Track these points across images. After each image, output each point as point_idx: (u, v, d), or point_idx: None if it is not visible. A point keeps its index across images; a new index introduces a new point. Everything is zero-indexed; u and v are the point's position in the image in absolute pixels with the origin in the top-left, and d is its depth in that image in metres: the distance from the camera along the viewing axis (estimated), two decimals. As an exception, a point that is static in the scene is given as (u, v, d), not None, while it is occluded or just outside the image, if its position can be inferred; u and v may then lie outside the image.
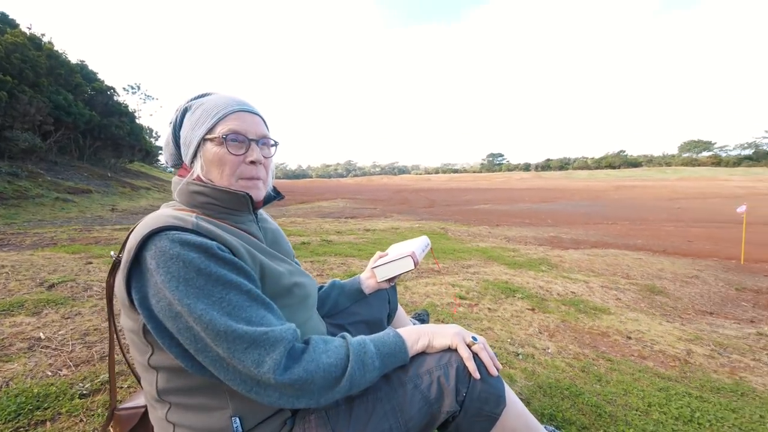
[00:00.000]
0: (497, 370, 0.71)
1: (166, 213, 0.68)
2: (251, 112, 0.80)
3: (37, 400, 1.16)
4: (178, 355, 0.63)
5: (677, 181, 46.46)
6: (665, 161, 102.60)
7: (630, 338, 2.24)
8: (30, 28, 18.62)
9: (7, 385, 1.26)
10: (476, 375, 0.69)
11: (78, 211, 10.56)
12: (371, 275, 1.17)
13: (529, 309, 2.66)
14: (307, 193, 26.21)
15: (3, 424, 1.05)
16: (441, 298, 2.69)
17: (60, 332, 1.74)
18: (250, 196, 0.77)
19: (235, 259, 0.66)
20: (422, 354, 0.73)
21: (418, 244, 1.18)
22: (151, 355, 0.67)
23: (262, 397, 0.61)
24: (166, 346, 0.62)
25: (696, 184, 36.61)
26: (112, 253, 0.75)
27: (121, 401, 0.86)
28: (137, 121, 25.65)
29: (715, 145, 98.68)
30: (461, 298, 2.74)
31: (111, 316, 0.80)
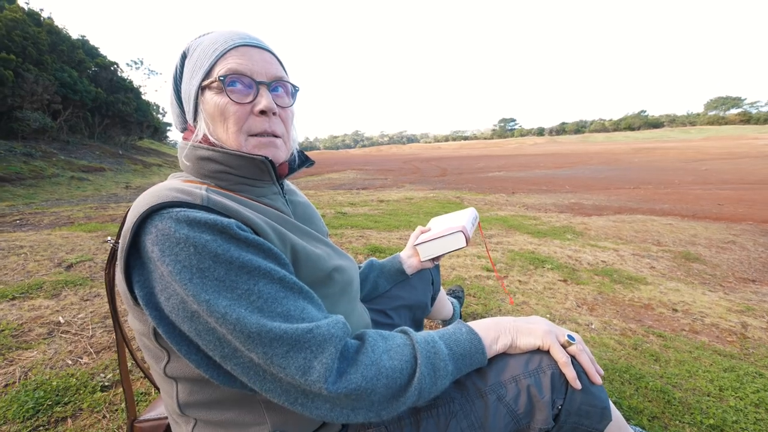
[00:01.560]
0: (600, 377, 0.57)
1: (169, 186, 0.53)
2: (258, 47, 0.61)
3: (57, 395, 1.09)
4: (199, 364, 0.49)
5: (702, 141, 44.29)
6: (689, 120, 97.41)
7: (676, 311, 2.08)
8: (28, 3, 18.08)
9: (26, 376, 1.19)
10: (577, 385, 0.54)
11: (93, 190, 10.66)
12: (413, 253, 1.02)
13: (561, 280, 2.52)
14: (316, 165, 25.91)
15: (21, 422, 0.98)
16: (468, 270, 2.56)
17: (79, 315, 1.68)
18: (271, 161, 0.61)
19: (260, 240, 0.52)
20: (503, 355, 0.59)
21: (467, 217, 1.02)
22: (168, 362, 0.54)
23: (310, 409, 0.48)
24: (184, 353, 0.49)
25: (723, 143, 34.78)
26: (108, 238, 0.61)
27: (140, 411, 0.76)
28: (143, 97, 25.28)
29: (745, 101, 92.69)
30: (489, 270, 2.61)
31: (115, 316, 0.66)
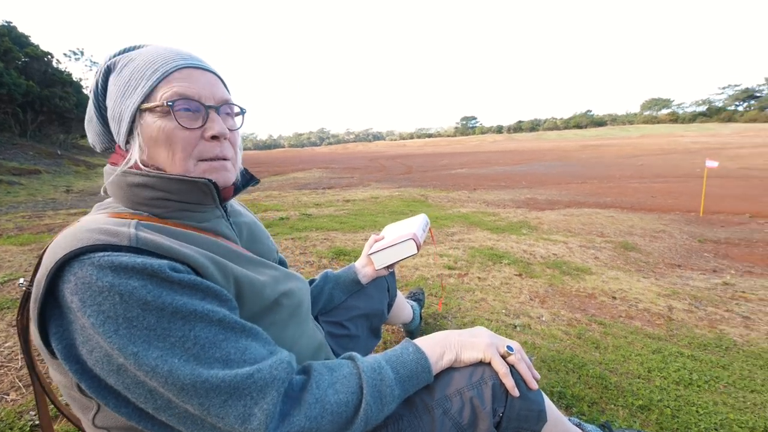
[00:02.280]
0: (537, 381, 0.63)
1: (90, 226, 0.48)
2: (203, 69, 0.59)
3: (-18, 436, 1.00)
4: (131, 416, 0.48)
5: (639, 138, 48.39)
6: (628, 119, 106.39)
7: (615, 298, 2.30)
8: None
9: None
10: (515, 393, 0.59)
11: (27, 195, 9.64)
12: (368, 262, 1.05)
13: (516, 275, 2.67)
14: (281, 164, 25.24)
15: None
16: (430, 270, 2.64)
17: (6, 344, 1.54)
18: (215, 184, 0.58)
19: (197, 280, 0.49)
20: (449, 369, 0.63)
21: (418, 224, 1.06)
22: (97, 413, 0.51)
23: None
24: (112, 407, 0.47)
25: (656, 141, 38.30)
26: (21, 280, 0.56)
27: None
28: (84, 91, 23.15)
29: (673, 103, 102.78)
30: (450, 268, 2.71)
31: (32, 366, 0.59)
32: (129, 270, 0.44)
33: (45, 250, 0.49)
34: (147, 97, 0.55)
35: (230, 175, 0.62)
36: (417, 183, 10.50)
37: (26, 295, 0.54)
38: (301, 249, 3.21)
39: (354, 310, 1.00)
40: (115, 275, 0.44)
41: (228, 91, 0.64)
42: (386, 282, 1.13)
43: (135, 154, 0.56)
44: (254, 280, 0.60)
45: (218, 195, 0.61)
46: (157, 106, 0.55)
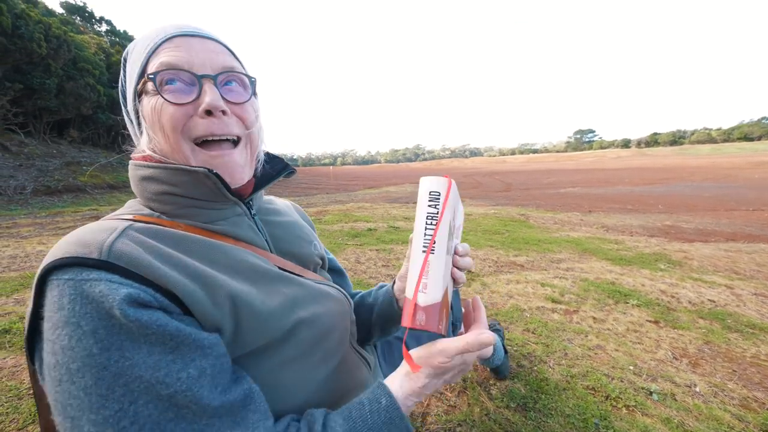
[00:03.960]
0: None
1: (81, 230, 0.42)
2: (199, 36, 0.50)
3: None
4: None
5: None
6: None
7: (829, 380, 1.52)
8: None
9: None
10: None
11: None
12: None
13: (650, 321, 2.05)
14: (376, 178, 26.50)
15: None
16: (528, 300, 2.23)
17: None
18: (218, 176, 0.48)
19: (161, 325, 0.37)
20: None
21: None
22: None
23: None
24: None
25: None
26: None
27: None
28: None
29: None
30: (554, 301, 2.24)
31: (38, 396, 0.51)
32: (86, 301, 0.36)
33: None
34: (140, 77, 0.48)
35: (239, 168, 0.51)
36: (516, 201, 9.59)
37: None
38: (384, 261, 3.12)
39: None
40: (71, 309, 0.36)
41: (238, 60, 0.54)
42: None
43: (143, 142, 0.49)
44: (257, 308, 0.46)
45: (227, 189, 0.50)
46: (146, 83, 0.47)
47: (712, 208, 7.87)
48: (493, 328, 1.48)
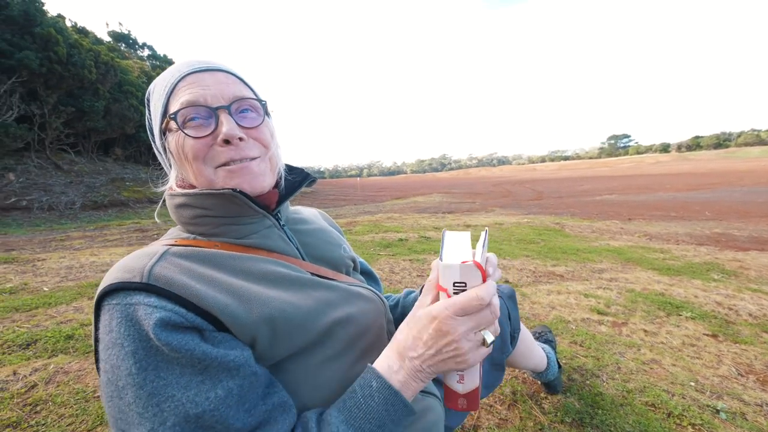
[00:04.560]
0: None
1: (124, 260, 0.48)
2: (209, 70, 0.54)
3: None
4: None
5: None
6: None
7: None
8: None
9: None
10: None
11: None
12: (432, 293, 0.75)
13: (708, 335, 1.92)
14: (403, 188, 26.53)
15: None
16: (572, 311, 2.15)
17: None
18: (242, 192, 0.52)
19: (189, 348, 0.41)
20: None
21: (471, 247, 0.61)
22: None
23: None
24: None
25: None
26: None
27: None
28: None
29: None
30: (600, 313, 2.14)
31: None
32: (129, 325, 0.41)
33: None
34: (163, 117, 0.53)
35: (258, 179, 0.54)
36: (550, 210, 9.29)
37: None
38: (418, 271, 3.11)
39: None
40: (117, 331, 0.41)
41: (248, 86, 0.58)
42: (506, 307, 0.88)
43: (171, 178, 0.57)
44: (291, 314, 0.49)
45: (253, 202, 0.54)
46: (168, 122, 0.52)
47: (766, 214, 7.27)
48: (544, 338, 1.44)
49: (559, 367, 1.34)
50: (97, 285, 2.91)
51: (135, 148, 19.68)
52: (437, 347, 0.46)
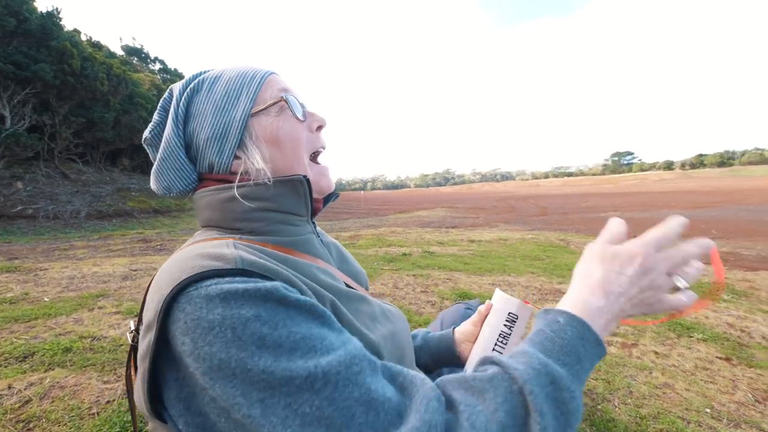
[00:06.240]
0: None
1: (193, 253, 0.42)
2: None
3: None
4: None
5: None
6: None
7: None
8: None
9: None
10: None
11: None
12: (471, 338, 0.71)
13: (721, 358, 1.86)
14: (406, 202, 26.57)
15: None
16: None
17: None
18: (308, 182, 0.52)
19: (312, 302, 0.39)
20: None
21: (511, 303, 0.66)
22: None
23: None
24: None
25: None
26: (131, 325, 0.48)
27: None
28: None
29: None
30: (611, 334, 2.09)
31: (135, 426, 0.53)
32: (240, 297, 0.36)
33: (148, 288, 0.44)
34: (255, 102, 0.52)
35: (332, 180, 0.60)
36: (554, 226, 9.23)
37: (135, 341, 0.46)
38: (422, 287, 3.07)
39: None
40: (225, 305, 0.35)
41: None
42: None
43: (255, 164, 0.51)
44: (350, 320, 0.46)
45: (311, 201, 0.55)
46: (273, 104, 0.52)
47: (775, 234, 7.17)
48: None
49: None
50: (98, 296, 2.89)
51: (142, 159, 19.96)
52: (641, 285, 0.41)
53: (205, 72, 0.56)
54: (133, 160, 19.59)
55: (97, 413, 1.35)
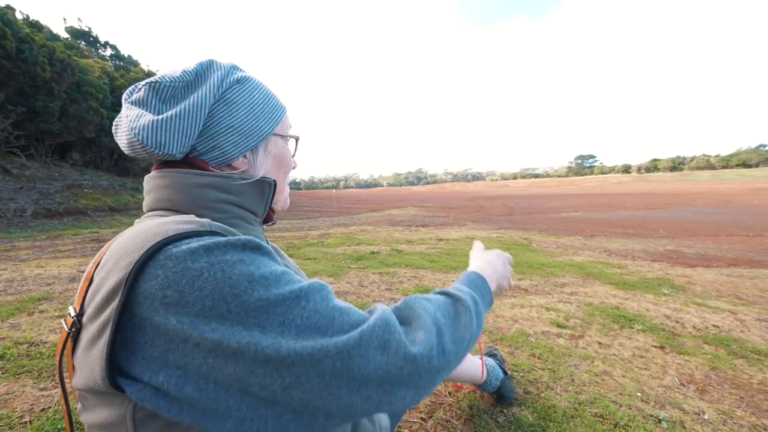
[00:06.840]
0: None
1: (163, 221, 0.44)
2: None
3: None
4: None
5: None
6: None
7: (843, 409, 1.48)
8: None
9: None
10: None
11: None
12: None
13: (656, 347, 2.02)
14: (378, 201, 26.64)
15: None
16: (533, 324, 2.21)
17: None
18: (274, 186, 0.61)
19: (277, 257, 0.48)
20: None
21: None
22: None
23: (416, 391, 0.43)
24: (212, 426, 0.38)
25: None
26: (70, 309, 0.45)
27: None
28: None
29: None
30: (559, 326, 2.21)
31: (68, 413, 0.52)
32: (222, 246, 0.40)
33: (98, 263, 0.44)
34: (279, 125, 0.63)
35: (288, 203, 0.72)
36: (519, 225, 9.61)
37: (73, 330, 0.43)
38: (387, 285, 3.10)
39: None
40: (209, 254, 0.39)
41: None
42: None
43: (261, 166, 0.60)
44: None
45: (270, 204, 0.63)
46: (290, 136, 0.66)
47: (713, 234, 7.87)
48: (490, 353, 1.51)
49: (505, 373, 1.37)
50: (40, 299, 2.69)
51: (95, 153, 18.63)
52: (504, 271, 0.78)
53: (242, 70, 0.61)
54: (85, 155, 18.19)
55: (30, 422, 1.26)
